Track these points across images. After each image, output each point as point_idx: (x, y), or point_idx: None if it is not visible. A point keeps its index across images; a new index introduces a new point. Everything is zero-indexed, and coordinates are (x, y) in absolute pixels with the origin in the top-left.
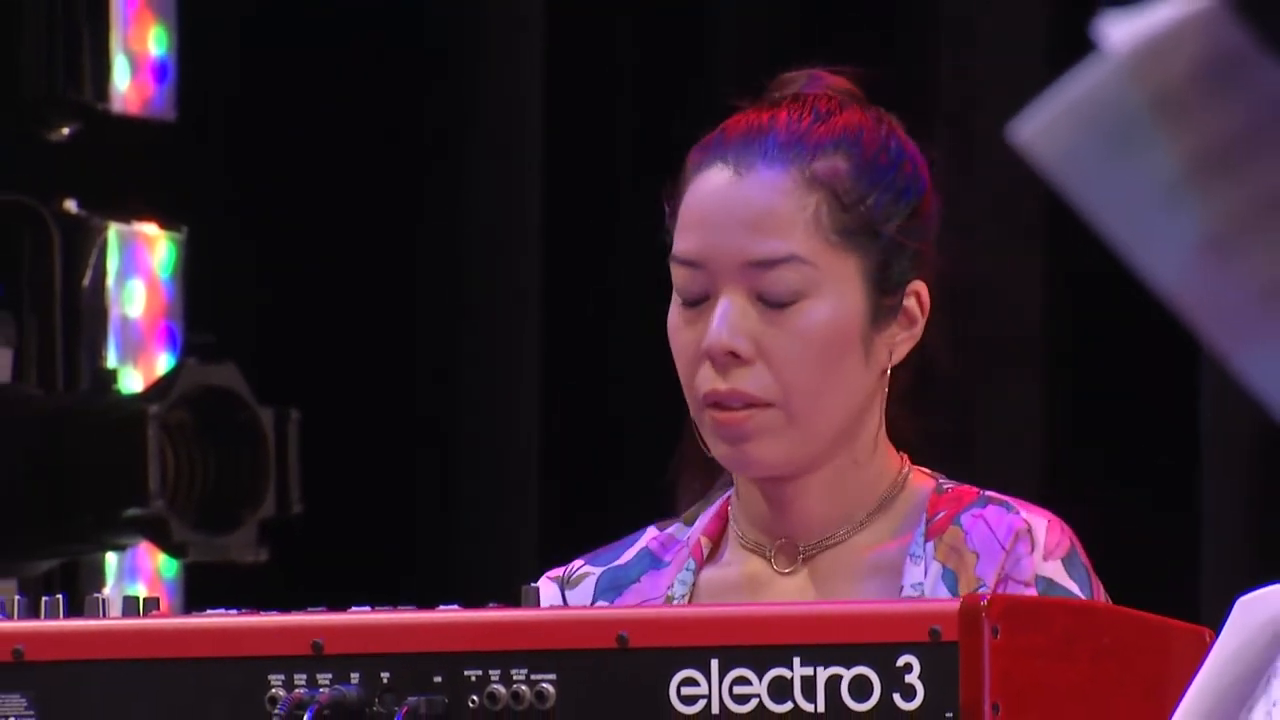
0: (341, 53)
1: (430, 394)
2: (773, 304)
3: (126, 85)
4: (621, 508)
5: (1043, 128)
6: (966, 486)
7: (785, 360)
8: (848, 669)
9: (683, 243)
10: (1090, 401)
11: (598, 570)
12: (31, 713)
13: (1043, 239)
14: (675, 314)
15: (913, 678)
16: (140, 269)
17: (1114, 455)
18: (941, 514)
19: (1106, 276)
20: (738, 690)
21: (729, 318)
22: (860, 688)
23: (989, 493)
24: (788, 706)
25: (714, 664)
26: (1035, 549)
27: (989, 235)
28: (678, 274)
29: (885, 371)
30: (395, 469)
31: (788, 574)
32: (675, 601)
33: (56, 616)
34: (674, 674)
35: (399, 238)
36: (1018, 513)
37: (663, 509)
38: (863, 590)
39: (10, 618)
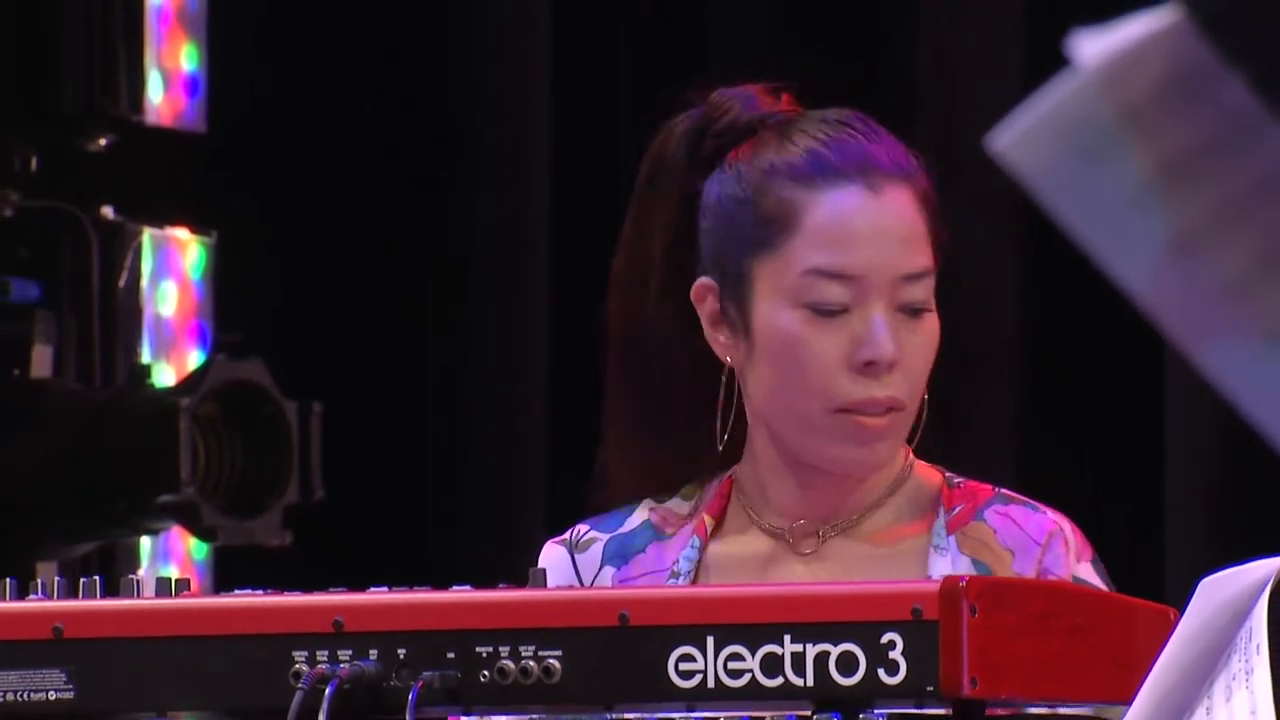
0: (358, 70)
1: (443, 389)
2: (911, 313)
3: (160, 99)
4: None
5: (1018, 139)
6: (976, 482)
7: (919, 366)
8: (835, 645)
9: (829, 257)
10: (1061, 396)
11: (604, 536)
12: (70, 687)
13: (1021, 243)
14: (802, 323)
15: (896, 654)
16: (172, 271)
17: (1085, 449)
18: (959, 508)
19: (1078, 279)
20: (732, 666)
21: (890, 330)
22: (846, 663)
23: (1005, 491)
24: (778, 681)
25: (710, 641)
26: (1070, 550)
27: (967, 239)
28: (819, 286)
29: None
30: (411, 458)
31: (807, 555)
32: (681, 575)
33: (94, 596)
34: (672, 650)
35: (415, 242)
36: (1045, 513)
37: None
38: (875, 574)
39: (50, 597)
